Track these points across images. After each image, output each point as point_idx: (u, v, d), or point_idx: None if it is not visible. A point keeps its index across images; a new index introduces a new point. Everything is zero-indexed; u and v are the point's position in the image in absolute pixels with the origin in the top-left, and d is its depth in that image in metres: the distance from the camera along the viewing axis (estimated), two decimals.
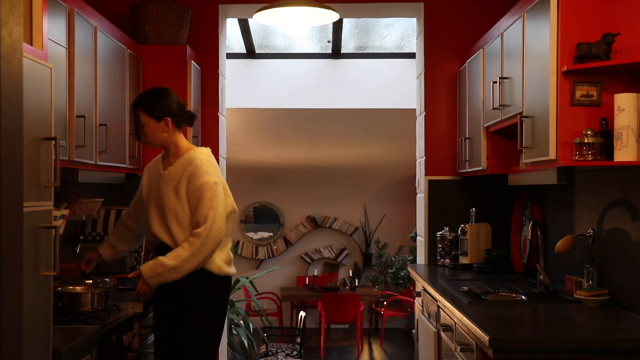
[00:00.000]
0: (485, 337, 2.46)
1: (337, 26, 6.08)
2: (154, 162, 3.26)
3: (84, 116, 3.27)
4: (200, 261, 2.95)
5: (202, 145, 4.65)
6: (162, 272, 2.94)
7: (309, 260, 8.30)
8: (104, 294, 2.95)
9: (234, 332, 5.41)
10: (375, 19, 6.03)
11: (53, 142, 2.26)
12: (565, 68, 2.76)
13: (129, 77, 4.05)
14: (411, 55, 6.35)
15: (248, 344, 5.34)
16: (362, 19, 6.04)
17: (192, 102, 4.41)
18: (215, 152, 4.72)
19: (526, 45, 3.17)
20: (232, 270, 3.14)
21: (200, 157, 3.07)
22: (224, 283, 3.13)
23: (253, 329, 5.67)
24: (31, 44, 2.38)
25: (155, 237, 3.08)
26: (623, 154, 2.58)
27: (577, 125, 2.75)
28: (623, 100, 2.59)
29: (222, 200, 3.03)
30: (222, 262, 3.08)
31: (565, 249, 3.19)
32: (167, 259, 2.95)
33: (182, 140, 3.17)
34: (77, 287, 3.15)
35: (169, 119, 3.11)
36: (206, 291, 3.05)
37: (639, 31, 2.68)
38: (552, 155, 2.81)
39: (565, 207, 3.56)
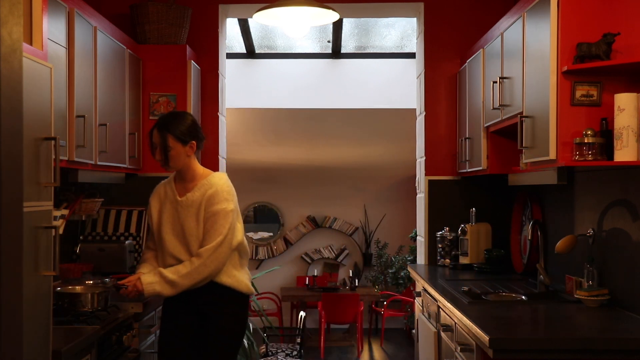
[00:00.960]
0: (485, 337, 2.46)
1: (337, 26, 6.08)
2: (162, 188, 3.16)
3: (84, 116, 3.27)
4: (197, 281, 2.94)
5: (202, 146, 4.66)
6: (159, 281, 2.93)
7: (309, 260, 8.30)
8: (104, 294, 2.95)
9: None
10: (375, 19, 6.03)
11: (53, 142, 2.26)
12: (565, 68, 2.76)
13: (129, 77, 4.05)
14: (411, 55, 6.35)
15: (248, 344, 5.33)
16: (362, 19, 6.04)
17: (192, 102, 4.42)
18: (215, 152, 4.72)
19: (526, 45, 3.17)
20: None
21: (220, 183, 3.05)
22: (248, 301, 3.18)
23: (253, 329, 5.67)
24: (31, 44, 2.38)
25: (179, 260, 3.02)
26: (623, 154, 2.58)
27: (577, 125, 2.75)
28: (623, 100, 2.59)
29: (235, 229, 3.03)
30: (248, 281, 3.12)
31: (565, 249, 3.19)
32: (167, 272, 2.95)
33: (197, 165, 3.12)
34: (77, 287, 3.15)
35: (194, 142, 3.06)
36: (238, 312, 3.09)
37: (639, 31, 2.68)
38: (552, 155, 2.81)
39: (565, 207, 3.56)
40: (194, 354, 3.08)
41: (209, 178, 3.07)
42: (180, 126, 3.03)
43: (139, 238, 4.19)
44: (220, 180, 3.08)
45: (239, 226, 3.09)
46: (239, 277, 3.07)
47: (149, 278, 2.95)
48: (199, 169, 3.12)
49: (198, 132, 3.10)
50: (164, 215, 3.08)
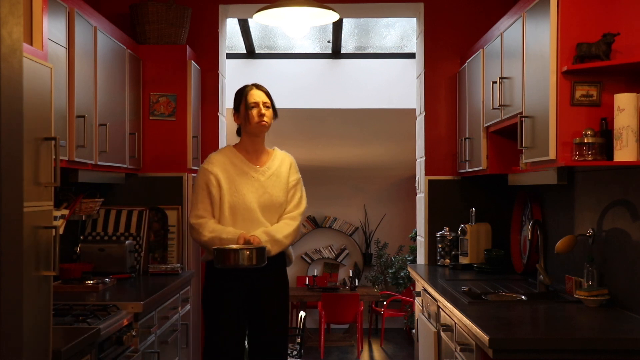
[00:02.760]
0: (485, 337, 2.46)
1: (337, 26, 6.08)
2: (224, 158, 3.29)
3: (84, 116, 3.27)
4: (292, 241, 3.24)
5: (201, 145, 4.67)
6: (269, 241, 3.13)
7: (309, 260, 8.30)
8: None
9: None
10: (375, 19, 6.03)
11: (53, 142, 2.26)
12: (565, 68, 2.76)
13: (129, 77, 4.05)
14: (411, 55, 6.35)
15: None
16: (362, 19, 6.04)
17: (192, 102, 4.42)
18: None
19: (526, 45, 3.17)
20: None
21: (289, 155, 3.45)
22: None
23: None
24: (31, 44, 2.38)
25: (259, 227, 3.20)
26: (623, 154, 2.58)
27: (577, 125, 2.75)
28: (623, 100, 2.59)
29: None
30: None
31: (565, 249, 3.19)
32: (273, 231, 3.16)
33: None
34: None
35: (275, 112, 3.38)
36: (287, 278, 3.35)
37: (639, 31, 2.68)
38: (552, 155, 2.81)
39: (565, 207, 3.56)
40: (255, 323, 3.24)
41: (276, 150, 3.43)
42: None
43: (139, 238, 4.19)
44: (286, 153, 3.46)
45: None
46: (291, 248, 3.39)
47: (263, 237, 3.13)
48: None
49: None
50: (243, 186, 3.22)
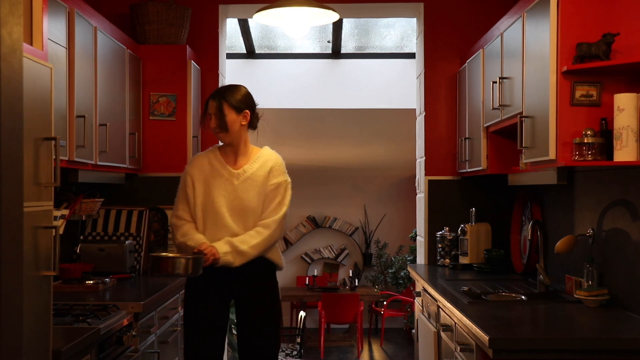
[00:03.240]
0: (485, 337, 2.46)
1: (337, 26, 6.08)
2: (204, 160, 3.16)
3: (84, 116, 3.27)
4: (262, 251, 3.04)
5: (201, 145, 4.67)
6: (231, 252, 2.98)
7: (309, 261, 8.30)
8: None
9: (234, 331, 5.40)
10: (375, 19, 6.03)
11: (53, 142, 2.26)
12: (565, 68, 2.76)
13: (129, 77, 4.05)
14: (411, 56, 6.35)
15: None
16: (362, 19, 6.04)
17: (192, 102, 4.42)
18: None
19: (526, 45, 3.17)
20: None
21: (275, 156, 3.20)
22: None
23: None
24: (31, 44, 2.38)
25: (234, 234, 3.07)
26: (623, 154, 2.58)
27: (577, 125, 2.75)
28: (623, 100, 2.59)
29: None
30: (281, 254, 3.26)
31: (565, 249, 3.19)
32: (237, 242, 3.00)
33: (249, 139, 3.21)
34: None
35: (248, 112, 3.14)
36: (275, 287, 3.20)
37: (639, 31, 2.68)
38: (552, 155, 2.81)
39: (565, 207, 3.56)
40: (240, 336, 3.14)
41: (262, 151, 3.20)
42: (235, 95, 3.13)
43: (139, 238, 4.19)
44: (273, 153, 3.21)
45: None
46: (279, 252, 3.21)
47: (223, 247, 2.99)
48: (249, 143, 3.21)
49: (252, 103, 3.19)
50: (214, 189, 3.09)
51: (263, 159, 3.15)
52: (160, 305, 3.51)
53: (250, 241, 3.01)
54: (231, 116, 3.09)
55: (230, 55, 5.88)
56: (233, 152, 3.16)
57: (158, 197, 4.35)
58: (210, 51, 4.78)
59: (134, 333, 3.08)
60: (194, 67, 4.48)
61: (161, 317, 3.53)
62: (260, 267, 3.11)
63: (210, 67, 4.79)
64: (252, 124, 3.20)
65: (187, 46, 4.42)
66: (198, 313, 3.11)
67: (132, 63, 4.12)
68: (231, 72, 5.94)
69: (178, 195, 3.19)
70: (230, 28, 6.10)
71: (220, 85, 4.82)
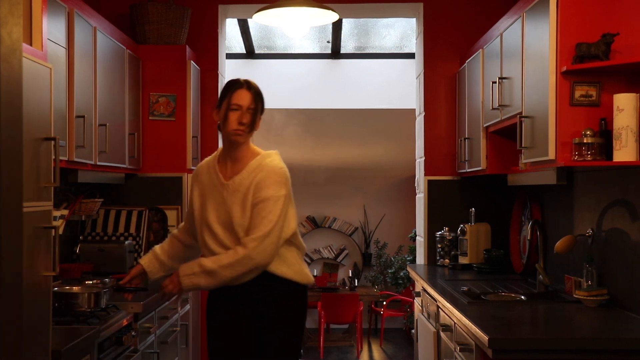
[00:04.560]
0: (484, 337, 2.46)
1: (337, 26, 6.09)
2: (204, 169, 2.85)
3: (83, 116, 3.27)
4: (239, 273, 2.63)
5: (201, 146, 4.67)
6: (197, 273, 2.65)
7: (308, 261, 8.30)
8: (103, 294, 2.95)
9: None
10: (375, 19, 6.03)
11: (53, 142, 2.26)
12: (564, 68, 2.76)
13: (129, 77, 4.05)
14: (411, 56, 6.36)
15: None
16: (361, 19, 6.05)
17: (192, 102, 4.42)
18: None
19: (525, 45, 3.17)
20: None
21: (272, 165, 2.73)
22: (306, 292, 2.90)
23: None
24: (31, 44, 2.38)
25: (227, 249, 2.72)
26: (622, 154, 2.58)
27: (577, 126, 2.75)
28: (622, 101, 2.59)
29: (287, 217, 2.73)
30: (306, 269, 2.87)
31: (564, 249, 3.19)
32: (207, 261, 2.66)
33: (251, 144, 2.82)
34: (76, 288, 3.14)
35: (260, 116, 2.80)
36: (297, 305, 2.82)
37: (638, 31, 2.68)
38: (551, 155, 2.81)
39: (564, 207, 3.56)
40: (250, 353, 2.81)
41: (259, 158, 2.75)
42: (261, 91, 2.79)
43: (139, 238, 4.19)
44: (272, 161, 2.75)
45: (292, 213, 2.77)
46: (300, 267, 2.80)
47: (187, 269, 2.67)
48: (251, 146, 2.81)
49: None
50: (208, 201, 2.77)
51: (255, 168, 2.72)
52: (160, 306, 3.51)
53: (222, 260, 2.64)
54: (260, 116, 2.78)
55: (229, 56, 5.88)
56: (231, 158, 2.79)
57: (158, 197, 4.35)
58: (209, 51, 4.79)
59: (133, 333, 3.08)
60: (193, 67, 4.48)
61: (161, 317, 3.53)
62: (265, 288, 2.74)
63: (210, 67, 4.79)
64: None
65: (187, 46, 4.42)
66: (217, 321, 2.86)
67: (132, 63, 4.12)
68: (231, 72, 5.93)
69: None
70: (230, 28, 6.10)
71: (220, 85, 4.82)
